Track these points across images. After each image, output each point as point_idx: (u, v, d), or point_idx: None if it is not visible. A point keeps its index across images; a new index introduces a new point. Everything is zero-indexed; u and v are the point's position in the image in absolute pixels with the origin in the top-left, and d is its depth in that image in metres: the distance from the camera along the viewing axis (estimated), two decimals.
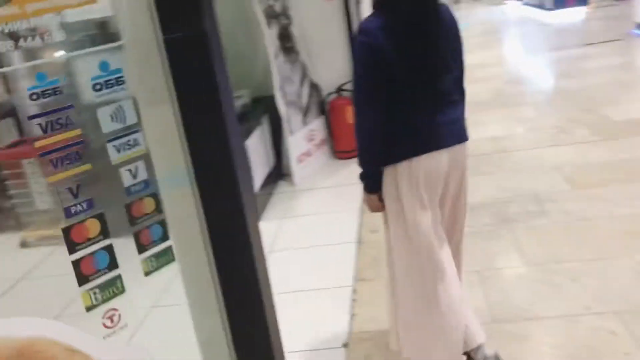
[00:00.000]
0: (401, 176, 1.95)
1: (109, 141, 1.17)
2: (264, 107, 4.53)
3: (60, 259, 1.14)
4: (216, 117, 1.19)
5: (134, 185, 1.21)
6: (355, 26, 4.71)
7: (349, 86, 4.85)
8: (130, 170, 1.20)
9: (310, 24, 4.77)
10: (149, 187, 1.23)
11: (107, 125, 1.17)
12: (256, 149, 4.23)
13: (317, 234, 3.71)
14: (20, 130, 4.58)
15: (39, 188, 4.03)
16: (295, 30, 4.69)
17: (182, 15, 1.13)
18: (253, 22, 4.33)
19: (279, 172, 4.69)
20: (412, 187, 1.95)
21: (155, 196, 1.24)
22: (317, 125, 4.85)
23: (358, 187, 2.19)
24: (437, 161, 1.94)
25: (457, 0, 16.47)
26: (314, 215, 4.03)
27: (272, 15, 4.46)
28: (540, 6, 12.52)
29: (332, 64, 4.85)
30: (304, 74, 4.76)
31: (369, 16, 1.91)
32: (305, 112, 4.74)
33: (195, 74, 1.16)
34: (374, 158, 1.98)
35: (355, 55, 1.93)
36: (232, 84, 1.26)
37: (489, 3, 15.91)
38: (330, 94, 4.88)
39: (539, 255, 3.03)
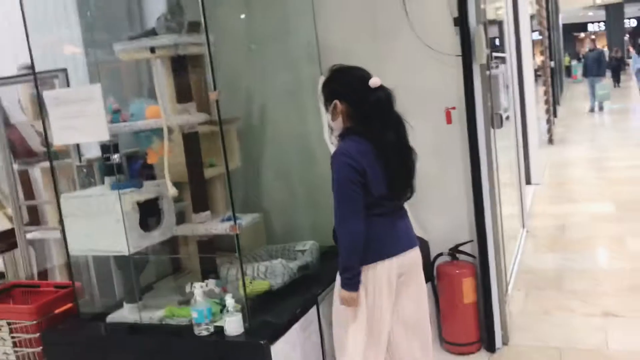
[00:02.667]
0: (372, 277, 2.31)
1: None
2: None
3: None
4: None
5: None
6: (483, 164, 3.18)
7: (470, 248, 3.28)
8: None
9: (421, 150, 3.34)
10: None
11: None
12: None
13: None
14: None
15: None
16: None
17: None
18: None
19: None
20: (381, 286, 2.33)
21: None
22: None
23: None
24: (399, 263, 2.35)
25: None
26: None
27: None
28: None
29: (447, 212, 3.34)
30: None
31: (347, 141, 2.30)
32: None
33: None
34: (358, 260, 2.28)
35: (337, 173, 2.26)
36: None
37: None
38: (439, 255, 3.33)
39: None
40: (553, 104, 12.05)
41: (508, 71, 5.21)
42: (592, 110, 14.94)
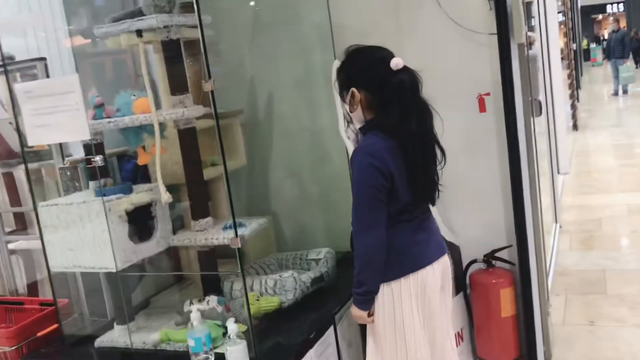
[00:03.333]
0: (397, 293, 1.97)
1: None
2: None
3: None
4: None
5: None
6: (523, 158, 2.78)
7: (507, 254, 2.89)
8: None
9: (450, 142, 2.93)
10: None
11: None
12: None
13: None
14: None
15: None
16: None
17: None
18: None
19: None
20: (411, 302, 1.98)
21: None
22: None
23: None
24: (432, 274, 2.01)
25: None
26: None
27: None
28: None
29: (481, 213, 2.94)
30: None
31: (371, 136, 1.95)
32: None
33: None
34: (378, 276, 1.97)
35: (358, 175, 1.92)
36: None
37: None
38: (473, 262, 2.94)
39: None
40: (576, 88, 11.54)
41: (538, 52, 4.78)
42: (615, 93, 14.39)
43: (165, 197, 2.35)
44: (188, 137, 2.54)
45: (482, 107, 2.84)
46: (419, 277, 1.99)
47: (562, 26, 10.62)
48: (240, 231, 2.50)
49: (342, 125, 2.71)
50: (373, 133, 1.95)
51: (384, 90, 1.91)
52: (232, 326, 2.11)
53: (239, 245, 2.17)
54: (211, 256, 2.63)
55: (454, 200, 2.93)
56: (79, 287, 2.76)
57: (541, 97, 4.88)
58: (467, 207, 2.95)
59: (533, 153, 2.86)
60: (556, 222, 5.06)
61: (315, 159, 3.22)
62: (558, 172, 6.53)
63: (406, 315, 1.98)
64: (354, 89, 1.94)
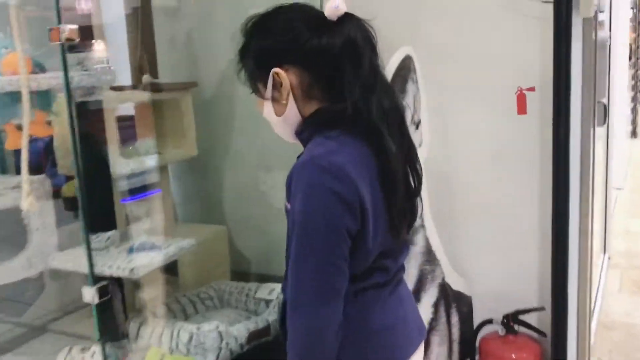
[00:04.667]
0: None
1: None
2: None
3: None
4: None
5: None
6: (575, 183, 1.93)
7: (537, 319, 2.06)
8: None
9: (472, 152, 2.12)
10: None
11: None
12: None
13: None
14: None
15: None
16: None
17: None
18: None
19: None
20: None
21: None
22: None
23: None
24: None
25: None
26: None
27: None
28: None
29: (506, 254, 2.12)
30: (427, 266, 2.08)
31: (319, 140, 1.09)
32: (427, 343, 2.05)
33: None
34: None
35: (306, 208, 1.04)
36: None
37: None
38: (487, 322, 2.11)
39: None
40: None
41: (608, 39, 3.85)
42: None
43: (25, 204, 1.58)
44: (88, 114, 1.78)
45: (521, 107, 1.99)
46: None
47: (631, 23, 9.59)
48: (148, 256, 1.75)
49: None
50: (324, 135, 1.11)
51: (326, 57, 1.09)
52: None
53: (95, 302, 1.39)
54: (116, 284, 1.88)
55: (469, 232, 2.12)
56: None
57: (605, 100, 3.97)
58: (487, 243, 2.13)
59: (589, 177, 2.00)
60: (604, 252, 4.15)
61: (291, 153, 2.42)
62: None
63: None
64: (276, 70, 1.11)
